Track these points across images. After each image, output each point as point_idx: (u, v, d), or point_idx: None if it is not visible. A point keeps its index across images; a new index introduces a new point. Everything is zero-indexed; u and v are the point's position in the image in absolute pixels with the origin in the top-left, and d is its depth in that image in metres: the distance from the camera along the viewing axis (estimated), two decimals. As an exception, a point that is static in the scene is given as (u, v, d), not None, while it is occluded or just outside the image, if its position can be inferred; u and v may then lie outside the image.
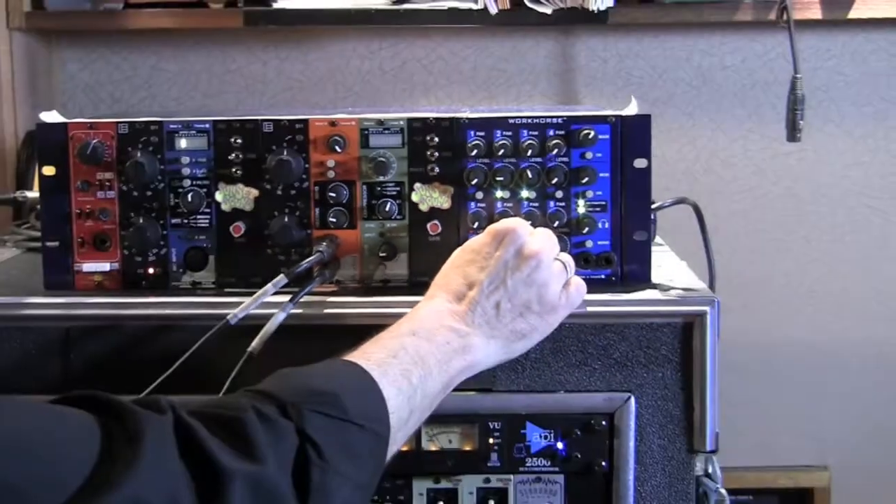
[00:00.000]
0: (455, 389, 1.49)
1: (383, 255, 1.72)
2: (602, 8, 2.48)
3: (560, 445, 1.69)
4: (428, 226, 1.72)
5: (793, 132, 2.54)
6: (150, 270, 1.73)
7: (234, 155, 1.71)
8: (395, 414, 1.36)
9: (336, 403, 1.29)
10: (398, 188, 1.72)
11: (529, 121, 1.71)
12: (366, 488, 1.33)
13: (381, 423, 1.35)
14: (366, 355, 1.41)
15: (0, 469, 1.01)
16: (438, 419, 1.60)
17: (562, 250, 1.65)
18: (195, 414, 1.19)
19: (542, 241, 1.57)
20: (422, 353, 1.44)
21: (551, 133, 1.71)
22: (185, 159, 1.71)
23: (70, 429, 1.11)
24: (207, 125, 1.71)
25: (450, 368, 1.46)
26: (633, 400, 1.68)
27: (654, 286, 1.73)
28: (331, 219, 1.71)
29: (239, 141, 1.71)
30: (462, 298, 1.53)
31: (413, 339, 1.45)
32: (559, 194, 1.71)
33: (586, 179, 1.70)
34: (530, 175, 1.70)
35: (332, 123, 1.71)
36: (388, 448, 1.36)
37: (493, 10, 2.50)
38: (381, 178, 1.71)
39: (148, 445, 1.11)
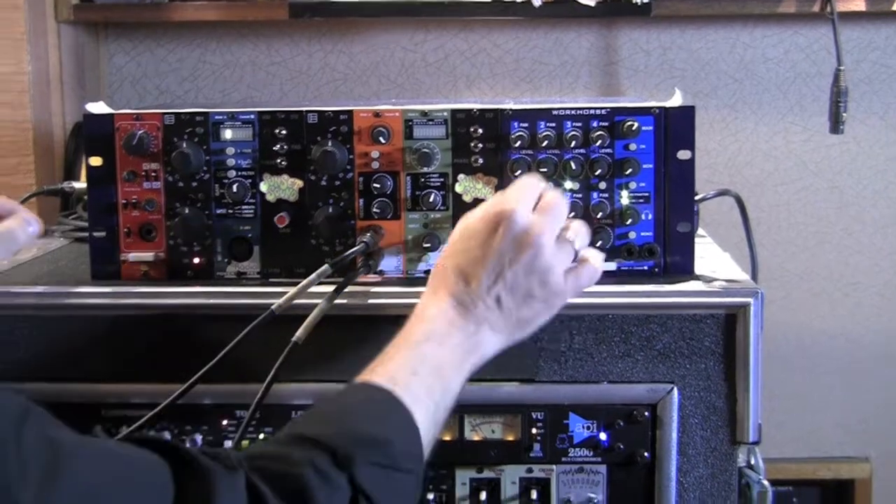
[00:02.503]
0: (497, 380, 1.48)
1: (427, 245, 1.71)
2: (645, 0, 2.46)
3: (603, 436, 1.69)
4: (472, 217, 1.71)
5: (836, 124, 2.52)
6: (196, 260, 1.73)
7: (278, 146, 1.71)
8: (425, 439, 1.35)
9: (387, 452, 1.28)
10: (442, 179, 1.71)
11: (573, 112, 1.70)
12: None
13: (420, 460, 1.34)
14: (389, 374, 1.37)
15: None
16: (481, 409, 1.60)
17: (604, 242, 1.64)
18: (256, 470, 1.19)
19: (541, 224, 1.46)
20: (439, 363, 1.41)
21: (595, 124, 1.70)
22: (231, 150, 1.71)
23: (145, 482, 1.10)
24: (252, 116, 1.71)
25: (463, 370, 1.43)
26: (675, 391, 1.67)
27: (697, 278, 1.72)
28: (375, 209, 1.71)
29: (284, 132, 1.70)
30: (463, 294, 1.46)
31: (429, 346, 1.41)
32: (603, 185, 1.70)
33: (630, 171, 1.69)
34: (574, 166, 1.69)
35: (377, 114, 1.70)
36: None
37: (537, 2, 2.49)
38: (425, 169, 1.70)
39: None
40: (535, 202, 1.48)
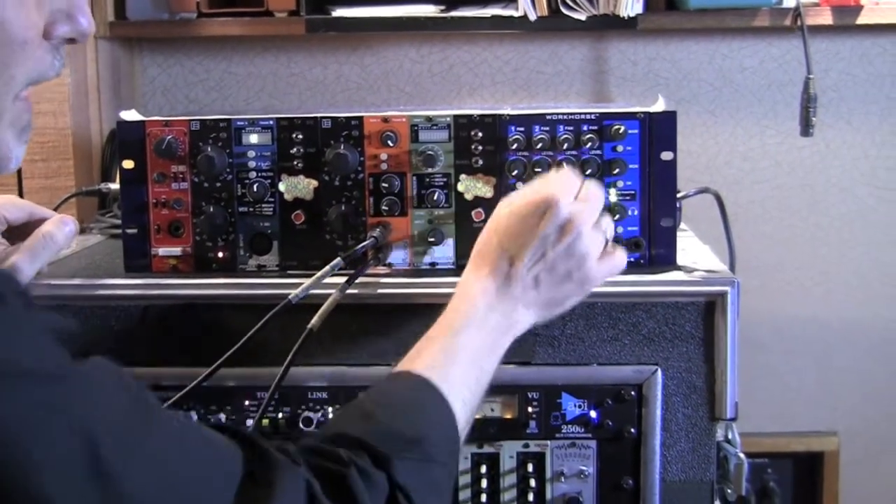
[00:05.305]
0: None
1: (432, 240, 1.70)
2: (632, 14, 2.45)
3: (593, 414, 1.67)
4: (472, 213, 1.70)
5: (806, 128, 2.52)
6: (220, 254, 1.72)
7: (295, 149, 1.69)
8: (461, 429, 1.34)
9: (422, 449, 1.27)
10: (445, 179, 1.70)
11: (565, 117, 1.68)
12: None
13: (455, 452, 1.33)
14: (428, 364, 1.36)
15: (148, 489, 1.01)
16: (482, 390, 1.59)
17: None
18: (311, 466, 1.19)
19: (582, 212, 1.45)
20: (477, 349, 1.40)
21: (585, 128, 1.68)
22: (252, 153, 1.70)
23: (216, 459, 1.11)
24: (271, 122, 1.70)
25: (497, 351, 1.43)
26: (659, 372, 1.66)
27: (680, 268, 1.70)
28: (384, 207, 1.69)
29: (300, 136, 1.69)
30: (505, 274, 1.44)
31: (468, 332, 1.40)
32: (592, 184, 1.69)
33: (617, 170, 1.67)
34: (566, 167, 1.67)
35: (385, 120, 1.69)
36: None
37: (533, 16, 2.47)
38: (430, 170, 1.69)
39: (280, 494, 1.12)
40: (576, 192, 1.47)
